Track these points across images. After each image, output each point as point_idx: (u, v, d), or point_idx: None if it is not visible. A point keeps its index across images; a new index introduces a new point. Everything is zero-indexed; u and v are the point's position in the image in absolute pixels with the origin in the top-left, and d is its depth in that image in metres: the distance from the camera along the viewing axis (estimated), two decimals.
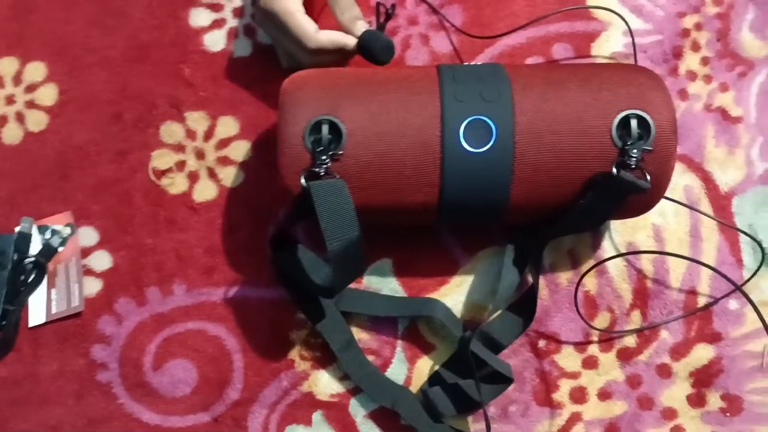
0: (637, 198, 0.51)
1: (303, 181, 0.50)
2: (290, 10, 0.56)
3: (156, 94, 0.65)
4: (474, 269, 0.62)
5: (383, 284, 0.62)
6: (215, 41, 0.65)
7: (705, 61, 0.64)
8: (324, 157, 0.50)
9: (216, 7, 0.66)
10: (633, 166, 0.49)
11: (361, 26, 0.59)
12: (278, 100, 0.53)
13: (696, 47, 0.64)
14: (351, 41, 0.58)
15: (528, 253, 0.59)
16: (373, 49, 0.58)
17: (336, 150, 0.50)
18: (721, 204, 0.61)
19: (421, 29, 0.64)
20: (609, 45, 0.64)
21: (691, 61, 0.64)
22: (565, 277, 0.62)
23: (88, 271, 0.63)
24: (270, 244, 0.57)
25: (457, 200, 0.52)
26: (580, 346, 0.61)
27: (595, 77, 0.53)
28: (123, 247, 0.64)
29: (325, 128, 0.51)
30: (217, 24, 0.65)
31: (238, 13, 0.66)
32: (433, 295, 0.62)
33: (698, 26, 0.64)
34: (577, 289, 0.60)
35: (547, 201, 0.52)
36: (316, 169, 0.50)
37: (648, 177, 0.50)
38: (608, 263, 0.62)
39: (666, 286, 0.61)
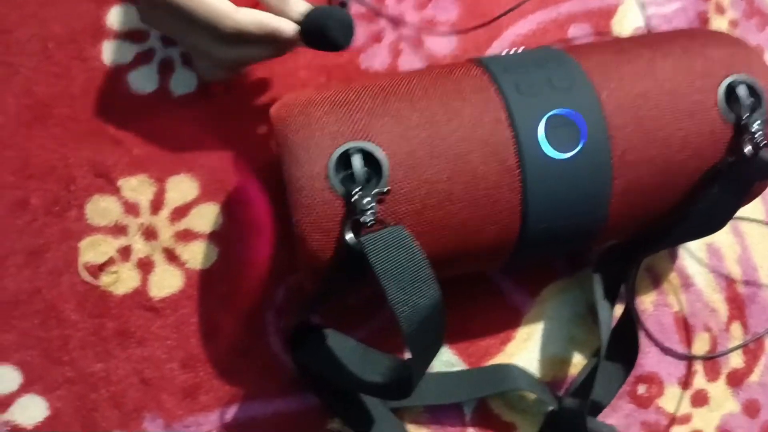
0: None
1: (350, 236, 0.34)
2: None
3: (71, 164, 0.46)
4: (542, 314, 0.49)
5: (434, 359, 0.47)
6: (144, 80, 0.48)
7: (734, 23, 0.55)
8: (367, 199, 0.34)
9: (137, 36, 0.49)
10: (761, 142, 0.38)
11: (298, 4, 0.42)
12: (275, 135, 0.38)
13: (720, 10, 0.55)
14: (286, 24, 0.41)
15: (618, 279, 0.46)
16: (327, 28, 0.41)
17: (380, 186, 0.35)
18: None
19: (410, 31, 0.51)
20: (629, 20, 0.54)
21: (719, 26, 0.55)
22: (649, 300, 0.50)
23: (16, 430, 0.43)
24: (290, 340, 0.41)
25: (543, 228, 0.38)
26: (685, 381, 0.49)
27: (668, 45, 0.42)
28: (60, 384, 0.44)
29: (356, 159, 0.36)
30: (144, 58, 0.48)
31: (171, 39, 0.49)
32: (499, 359, 0.48)
33: None
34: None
35: (654, 207, 0.40)
36: (362, 218, 0.34)
37: None
38: (691, 273, 0.50)
39: (758, 286, 0.51)
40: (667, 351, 0.50)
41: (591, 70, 0.39)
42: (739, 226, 0.51)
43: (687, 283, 0.50)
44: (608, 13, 0.53)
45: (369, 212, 0.34)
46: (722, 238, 0.51)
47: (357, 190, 0.35)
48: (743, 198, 0.40)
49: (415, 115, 0.37)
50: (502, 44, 0.52)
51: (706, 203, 0.39)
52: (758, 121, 0.38)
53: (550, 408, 0.46)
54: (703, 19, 0.55)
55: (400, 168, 0.36)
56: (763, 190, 0.42)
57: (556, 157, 0.37)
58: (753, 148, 0.37)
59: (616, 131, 0.38)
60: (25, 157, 0.46)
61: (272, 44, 0.42)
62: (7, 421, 0.44)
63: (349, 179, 0.36)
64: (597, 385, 0.44)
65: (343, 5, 0.44)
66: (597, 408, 0.46)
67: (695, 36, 0.43)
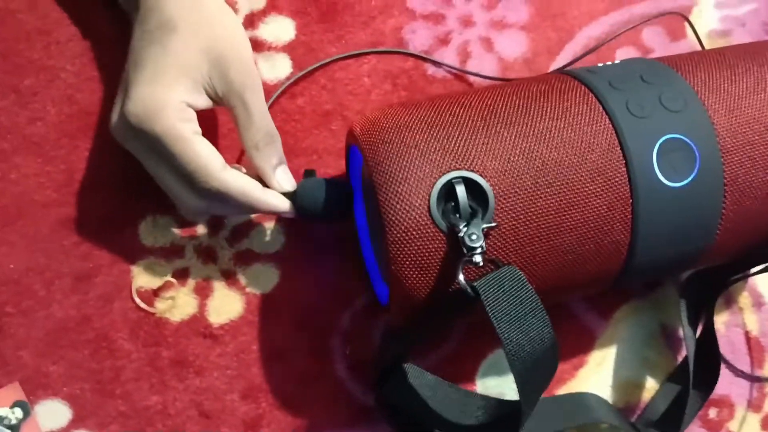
0: None
1: (462, 279, 0.31)
2: (180, 135, 0.35)
3: (122, 179, 0.42)
4: (615, 336, 0.47)
5: (505, 385, 0.45)
6: None
7: None
8: (475, 237, 0.32)
9: None
10: None
11: (285, 177, 0.39)
12: (366, 160, 0.34)
13: None
14: (273, 199, 0.38)
15: (701, 303, 0.44)
16: (328, 199, 0.39)
17: (486, 220, 0.32)
18: None
19: (481, 31, 0.47)
20: (703, 22, 0.51)
21: None
22: (720, 321, 0.48)
23: None
24: (378, 378, 0.38)
25: (649, 259, 0.36)
26: (756, 404, 0.48)
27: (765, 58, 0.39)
28: (114, 419, 0.41)
29: (460, 190, 0.32)
30: None
31: None
32: (573, 385, 0.46)
33: None
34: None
35: (761, 233, 0.38)
36: (473, 258, 0.31)
37: None
38: (764, 291, 0.49)
39: None
40: (738, 373, 0.48)
41: (701, 89, 0.36)
42: None
43: (759, 302, 0.49)
44: (683, 13, 0.51)
45: (478, 250, 0.31)
46: None
47: (463, 225, 0.32)
48: None
49: (519, 140, 0.34)
50: (575, 47, 0.49)
51: None
52: None
53: None
54: None
55: (506, 199, 0.33)
56: None
57: (670, 185, 0.34)
58: None
59: (728, 156, 0.35)
60: (70, 170, 0.42)
61: (248, 211, 0.40)
62: None
63: (452, 212, 0.33)
64: (671, 409, 0.43)
65: (310, 174, 0.40)
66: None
67: None
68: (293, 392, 0.43)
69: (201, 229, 0.43)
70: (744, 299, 0.49)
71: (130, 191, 0.42)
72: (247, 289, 0.43)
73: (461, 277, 0.31)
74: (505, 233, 0.33)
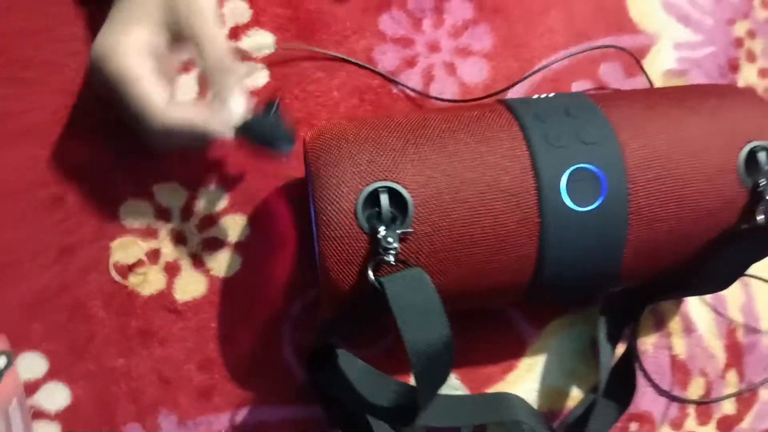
0: None
1: (371, 275, 0.36)
2: (129, 75, 0.40)
3: (108, 166, 0.48)
4: (546, 347, 0.50)
5: None
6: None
7: (763, 73, 0.56)
8: (390, 240, 0.36)
9: None
10: None
11: (236, 104, 0.42)
12: (307, 163, 0.39)
13: (752, 57, 0.56)
14: (218, 125, 0.41)
15: (623, 322, 0.47)
16: (268, 135, 0.42)
17: (404, 226, 0.37)
18: None
19: (445, 57, 0.52)
20: (661, 61, 0.55)
21: (748, 74, 0.56)
22: (650, 342, 0.51)
23: (39, 414, 0.46)
24: (308, 361, 0.43)
25: (556, 276, 0.40)
26: (677, 422, 0.51)
27: (695, 103, 0.43)
28: (83, 376, 0.46)
29: (384, 198, 0.37)
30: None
31: None
32: (500, 386, 0.50)
33: (751, 33, 0.56)
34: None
35: (666, 262, 0.41)
36: (386, 257, 0.36)
37: None
38: (696, 318, 0.52)
39: (758, 337, 0.52)
40: (662, 392, 0.51)
41: (619, 126, 0.40)
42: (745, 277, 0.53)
43: (689, 328, 0.52)
44: (641, 52, 0.54)
45: (391, 251, 0.36)
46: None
47: (382, 228, 0.36)
48: (753, 262, 0.41)
49: (443, 159, 0.38)
50: (534, 78, 0.53)
51: (716, 264, 0.40)
52: None
53: None
54: (734, 65, 0.55)
55: (424, 209, 0.38)
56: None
57: (576, 210, 0.38)
58: (766, 217, 0.39)
59: (636, 188, 0.39)
60: (62, 155, 0.48)
61: (202, 140, 0.43)
62: (32, 405, 0.46)
63: (376, 217, 0.37)
64: (592, 420, 0.46)
65: (271, 105, 0.43)
66: None
67: (725, 95, 0.43)
68: (244, 368, 0.48)
69: (174, 216, 0.48)
70: (675, 324, 0.52)
71: (114, 176, 0.48)
72: (211, 272, 0.48)
73: (370, 272, 0.36)
74: (422, 239, 0.38)
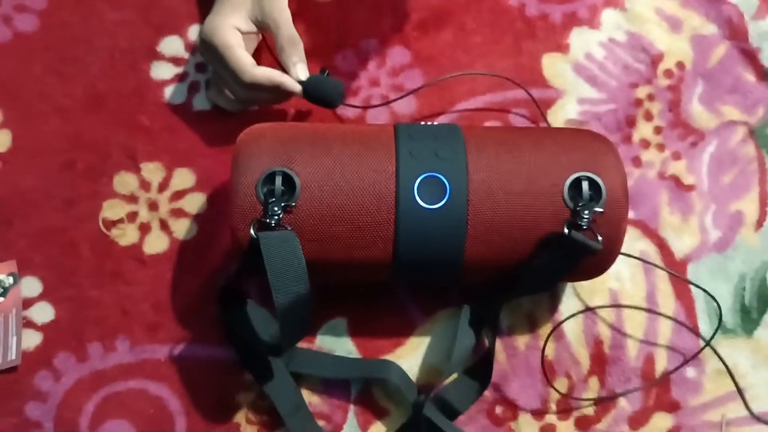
0: (591, 259, 0.51)
1: (252, 231, 0.49)
2: (228, 44, 0.57)
3: (111, 144, 0.64)
4: (431, 331, 0.61)
5: (337, 345, 0.60)
6: (175, 94, 0.65)
7: (658, 130, 0.65)
8: (276, 209, 0.49)
9: (178, 62, 0.66)
10: (585, 227, 0.49)
11: (302, 69, 0.59)
12: (234, 151, 0.53)
13: (649, 117, 0.65)
14: (289, 81, 0.59)
15: (485, 315, 0.57)
16: (324, 90, 0.59)
17: (289, 201, 0.50)
18: (677, 270, 0.61)
19: (383, 90, 0.65)
20: (565, 112, 0.65)
21: (644, 130, 0.65)
22: (522, 342, 0.61)
23: (29, 324, 0.60)
24: (217, 298, 0.55)
25: (411, 256, 0.51)
26: (538, 413, 0.60)
27: (549, 140, 0.53)
28: (65, 299, 0.61)
29: (278, 180, 0.50)
30: (179, 77, 0.65)
31: (201, 68, 0.66)
32: (389, 357, 0.60)
33: (651, 97, 0.66)
34: (543, 353, 0.59)
35: (502, 260, 0.52)
36: (267, 220, 0.49)
37: (600, 238, 0.49)
38: (566, 328, 0.61)
39: (624, 352, 0.60)
40: (527, 384, 0.60)
41: (472, 149, 0.51)
42: (618, 295, 0.61)
43: (559, 335, 0.61)
44: (547, 103, 0.65)
45: (275, 218, 0.49)
46: (600, 300, 0.61)
47: (272, 200, 0.49)
48: (568, 266, 0.51)
49: (330, 157, 0.51)
50: (452, 115, 0.65)
51: (539, 265, 0.50)
52: (588, 211, 0.49)
53: (412, 401, 0.58)
54: (631, 121, 0.65)
55: (308, 191, 0.50)
56: (601, 269, 0.53)
57: (424, 207, 0.50)
58: (569, 227, 0.49)
59: (474, 195, 0.50)
60: (79, 132, 0.64)
61: (277, 92, 0.60)
62: (25, 316, 0.61)
63: (271, 193, 0.50)
64: (454, 392, 0.57)
65: (324, 71, 0.61)
66: (454, 413, 0.57)
67: (577, 136, 0.54)
68: (186, 313, 0.61)
69: (153, 188, 0.63)
70: (547, 329, 0.61)
71: (114, 153, 0.63)
72: (174, 235, 0.62)
73: (252, 230, 0.48)
74: (305, 214, 0.50)
